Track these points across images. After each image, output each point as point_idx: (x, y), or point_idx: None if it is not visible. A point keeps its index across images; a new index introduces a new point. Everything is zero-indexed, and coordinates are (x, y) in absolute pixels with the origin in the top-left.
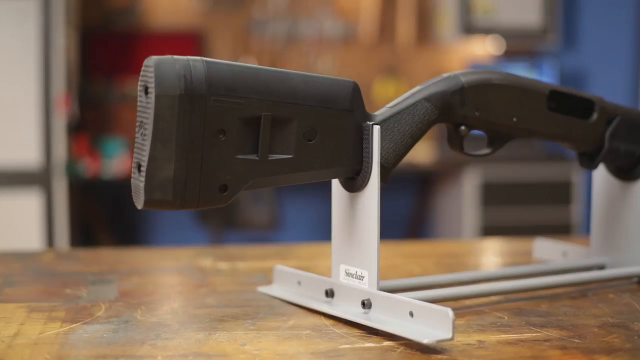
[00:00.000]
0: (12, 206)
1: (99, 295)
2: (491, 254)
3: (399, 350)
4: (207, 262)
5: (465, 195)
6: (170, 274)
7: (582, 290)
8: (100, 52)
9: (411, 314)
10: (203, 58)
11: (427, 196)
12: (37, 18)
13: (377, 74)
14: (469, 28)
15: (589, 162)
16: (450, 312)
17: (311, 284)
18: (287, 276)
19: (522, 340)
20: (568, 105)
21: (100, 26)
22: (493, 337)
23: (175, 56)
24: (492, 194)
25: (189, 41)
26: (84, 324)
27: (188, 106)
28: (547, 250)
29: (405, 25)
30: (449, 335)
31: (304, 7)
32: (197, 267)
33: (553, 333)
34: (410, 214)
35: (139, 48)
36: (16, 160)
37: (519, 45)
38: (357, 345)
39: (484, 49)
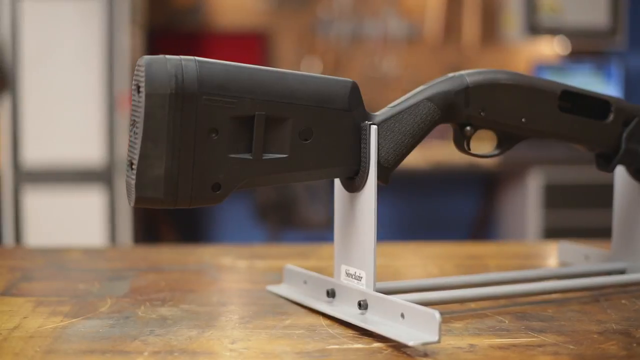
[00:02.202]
0: (76, 203)
1: (109, 291)
2: (514, 257)
3: (386, 352)
4: (227, 260)
5: (529, 197)
6: (187, 271)
7: (596, 295)
8: (166, 52)
9: (402, 316)
10: (196, 58)
11: (492, 197)
12: (102, 17)
13: (442, 74)
14: (535, 28)
15: (605, 164)
16: (437, 315)
17: (315, 283)
18: (295, 276)
19: (514, 345)
20: (583, 106)
21: (166, 26)
22: (486, 341)
23: (167, 56)
24: (556, 196)
25: (253, 41)
26: (84, 318)
27: (179, 105)
28: (570, 253)
29: (470, 25)
30: (436, 338)
31: (369, 7)
32: (216, 265)
33: (549, 338)
34: (475, 215)
35: (204, 48)
36: (80, 157)
37: (585, 45)
38: (345, 346)
39: (549, 49)
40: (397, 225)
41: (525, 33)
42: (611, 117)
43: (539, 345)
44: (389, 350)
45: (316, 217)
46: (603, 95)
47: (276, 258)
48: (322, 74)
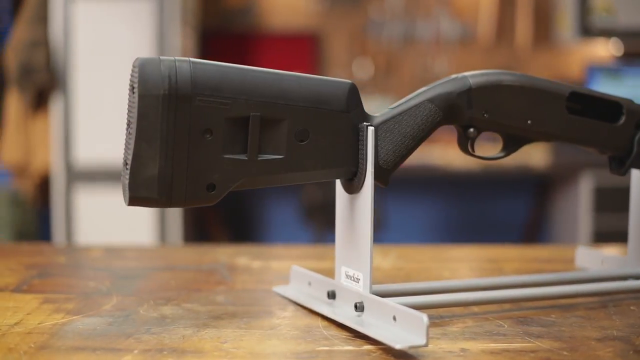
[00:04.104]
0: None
1: (117, 289)
2: (533, 260)
3: (375, 354)
4: (242, 260)
5: (580, 200)
6: (200, 271)
7: (605, 301)
8: (219, 53)
9: (394, 319)
10: (190, 59)
11: (544, 200)
12: (153, 18)
13: None
14: (588, 30)
15: (618, 167)
16: (424, 318)
17: (318, 285)
18: (300, 277)
19: (507, 350)
20: (594, 108)
21: (218, 27)
22: (479, 346)
23: (162, 57)
24: (607, 199)
25: (305, 42)
26: (85, 316)
27: (172, 106)
28: (588, 258)
29: (523, 27)
30: (423, 341)
31: (421, 8)
32: (230, 265)
33: (545, 344)
34: (527, 218)
35: (257, 49)
36: None
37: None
38: (336, 348)
39: (603, 50)
40: (446, 228)
41: (578, 35)
42: (623, 119)
43: (532, 351)
44: (378, 352)
45: None
46: (614, 97)
47: (292, 259)
48: (373, 75)
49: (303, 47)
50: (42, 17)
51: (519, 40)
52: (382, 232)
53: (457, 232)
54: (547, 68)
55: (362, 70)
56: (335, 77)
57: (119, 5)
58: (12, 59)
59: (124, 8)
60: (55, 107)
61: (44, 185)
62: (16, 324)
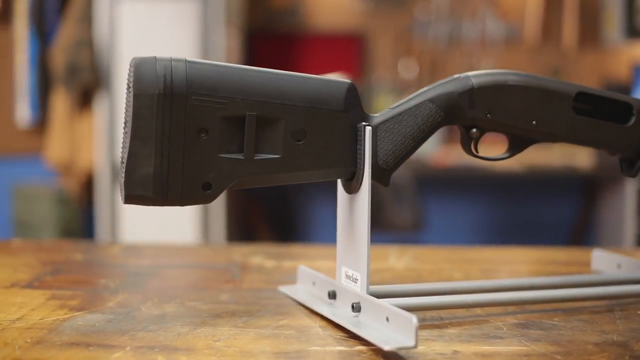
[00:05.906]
0: None
1: (126, 287)
2: (548, 263)
3: (365, 355)
4: (256, 259)
5: (626, 202)
6: (212, 269)
7: (611, 304)
8: (265, 53)
9: (387, 320)
10: (187, 58)
11: (591, 202)
12: (197, 19)
13: None
14: (635, 30)
15: (629, 169)
16: (414, 320)
17: (321, 285)
18: (306, 277)
19: (500, 354)
20: (603, 109)
21: (263, 27)
22: (473, 348)
23: (158, 56)
24: None
25: (350, 42)
26: (87, 312)
27: (167, 105)
28: (604, 261)
29: (569, 27)
30: (412, 343)
31: (466, 8)
32: (243, 264)
33: (540, 348)
34: (573, 220)
35: (302, 49)
36: None
37: None
38: (327, 348)
39: None
40: (489, 230)
41: (625, 35)
42: (633, 119)
43: (526, 355)
44: (369, 353)
45: (402, 219)
46: (625, 97)
47: (306, 259)
48: (418, 75)
49: (348, 48)
50: (89, 17)
51: (565, 41)
52: (421, 232)
53: (499, 234)
54: (593, 68)
55: (407, 71)
56: (380, 77)
57: (163, 6)
58: (59, 58)
59: (168, 8)
60: (100, 106)
61: (89, 184)
62: (18, 319)
